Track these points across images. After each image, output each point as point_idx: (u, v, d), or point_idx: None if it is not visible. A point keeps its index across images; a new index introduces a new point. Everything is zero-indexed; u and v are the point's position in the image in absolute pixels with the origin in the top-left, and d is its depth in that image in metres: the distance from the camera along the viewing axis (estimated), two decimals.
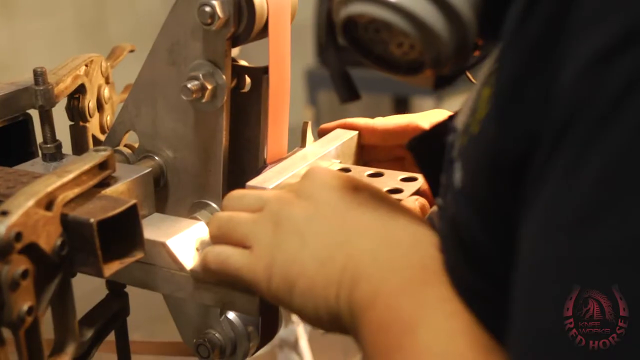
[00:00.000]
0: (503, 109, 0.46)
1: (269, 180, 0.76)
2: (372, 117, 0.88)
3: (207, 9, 0.72)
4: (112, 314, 0.74)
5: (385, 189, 0.76)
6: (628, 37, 0.40)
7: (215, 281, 0.66)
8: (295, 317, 1.37)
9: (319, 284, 0.57)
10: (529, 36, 0.45)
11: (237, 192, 0.67)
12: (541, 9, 0.44)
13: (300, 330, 1.51)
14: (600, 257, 0.40)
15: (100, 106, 0.88)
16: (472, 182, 0.50)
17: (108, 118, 0.89)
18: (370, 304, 0.53)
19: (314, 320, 0.58)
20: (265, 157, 0.81)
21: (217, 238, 0.65)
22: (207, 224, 0.67)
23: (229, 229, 0.63)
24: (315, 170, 0.63)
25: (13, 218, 0.55)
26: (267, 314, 0.68)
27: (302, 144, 0.85)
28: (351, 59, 0.60)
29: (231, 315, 0.79)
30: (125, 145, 0.84)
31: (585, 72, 0.41)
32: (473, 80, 0.66)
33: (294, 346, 1.52)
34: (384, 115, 0.89)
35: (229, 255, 0.62)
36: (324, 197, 0.60)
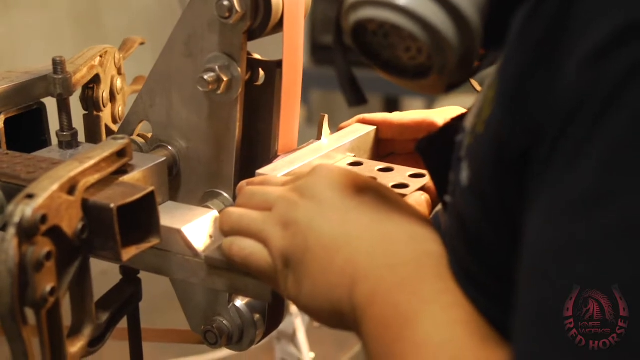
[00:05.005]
0: (509, 105, 0.48)
1: (279, 169, 0.78)
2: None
3: (226, 2, 0.74)
4: (125, 298, 0.75)
5: (391, 184, 0.78)
6: (628, 30, 0.41)
7: (229, 267, 0.68)
8: (293, 309, 1.39)
9: (321, 287, 0.59)
10: (534, 34, 0.46)
11: (247, 190, 0.68)
12: (545, 8, 0.46)
13: (298, 323, 1.53)
14: (603, 243, 0.41)
15: (112, 96, 0.90)
16: (478, 179, 0.52)
17: (120, 108, 0.91)
18: (370, 302, 0.55)
19: (319, 318, 0.61)
20: (277, 149, 0.83)
21: (229, 233, 0.66)
22: (218, 218, 0.68)
23: (241, 226, 0.65)
24: (321, 168, 0.64)
25: (39, 201, 0.57)
26: (275, 301, 0.69)
27: (318, 136, 0.86)
28: (355, 59, 0.61)
29: (239, 302, 0.81)
30: (139, 135, 0.86)
31: (587, 63, 0.43)
32: (477, 88, 0.68)
33: (292, 338, 1.53)
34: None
35: (252, 252, 0.64)
36: (327, 196, 0.61)
